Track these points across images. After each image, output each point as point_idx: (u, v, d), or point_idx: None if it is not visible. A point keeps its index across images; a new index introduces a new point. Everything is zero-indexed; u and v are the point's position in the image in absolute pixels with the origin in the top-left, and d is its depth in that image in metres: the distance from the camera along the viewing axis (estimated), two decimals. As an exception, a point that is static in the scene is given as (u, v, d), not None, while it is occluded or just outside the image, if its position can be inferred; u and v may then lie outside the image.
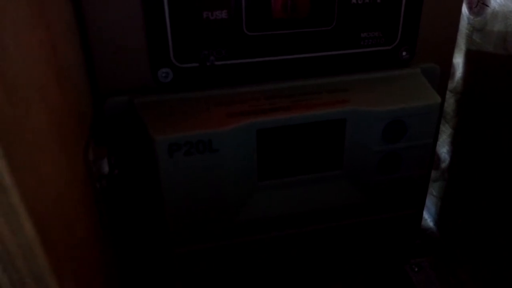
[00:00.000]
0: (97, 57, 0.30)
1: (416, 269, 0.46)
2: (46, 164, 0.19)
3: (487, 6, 0.38)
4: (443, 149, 0.47)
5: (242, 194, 0.33)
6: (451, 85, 0.43)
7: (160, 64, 0.31)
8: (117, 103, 0.31)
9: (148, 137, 0.29)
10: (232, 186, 0.32)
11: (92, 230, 0.27)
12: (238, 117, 0.30)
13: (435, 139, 0.40)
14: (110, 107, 0.31)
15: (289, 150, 0.33)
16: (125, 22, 0.29)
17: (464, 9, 0.40)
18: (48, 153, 0.20)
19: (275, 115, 0.31)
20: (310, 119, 0.31)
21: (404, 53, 0.35)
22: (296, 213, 0.35)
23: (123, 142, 0.32)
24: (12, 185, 0.15)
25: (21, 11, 0.19)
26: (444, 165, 0.47)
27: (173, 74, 0.31)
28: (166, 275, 0.36)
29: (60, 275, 0.18)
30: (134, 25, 0.29)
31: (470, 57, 0.41)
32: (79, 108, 0.27)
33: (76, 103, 0.27)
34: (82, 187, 0.25)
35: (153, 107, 0.31)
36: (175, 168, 0.30)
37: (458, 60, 0.42)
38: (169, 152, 0.29)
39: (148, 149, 0.30)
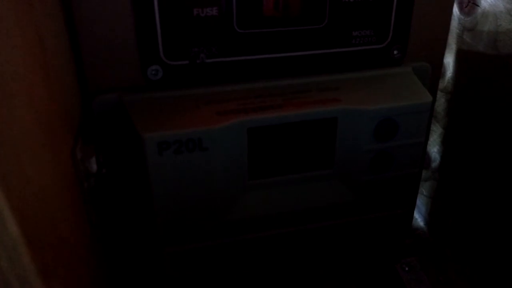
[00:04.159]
0: (86, 54, 0.29)
1: (407, 269, 0.46)
2: (31, 162, 0.19)
3: (477, 6, 0.38)
4: (434, 149, 0.47)
5: (232, 193, 0.32)
6: (441, 84, 0.43)
7: (149, 61, 0.30)
8: (106, 101, 0.31)
9: (137, 135, 0.29)
10: (223, 185, 0.31)
11: (80, 230, 0.26)
12: (228, 116, 0.30)
13: (426, 138, 0.40)
14: (99, 105, 0.31)
15: (280, 148, 0.32)
16: (115, 19, 0.29)
17: (455, 8, 0.40)
18: (34, 152, 0.20)
19: (266, 113, 0.30)
20: (301, 117, 0.31)
21: (395, 52, 0.35)
22: (287, 212, 0.34)
23: (112, 141, 0.32)
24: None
25: (7, 6, 0.18)
26: (434, 164, 0.47)
27: (163, 72, 0.31)
28: (156, 275, 0.35)
29: (46, 275, 0.17)
30: (123, 22, 0.29)
31: (460, 56, 0.41)
32: (67, 106, 0.27)
33: (63, 101, 0.26)
34: (69, 186, 0.25)
35: (143, 105, 0.30)
36: (164, 167, 0.29)
37: (449, 59, 0.42)
38: (158, 150, 0.29)
39: (137, 147, 0.29)
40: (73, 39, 0.29)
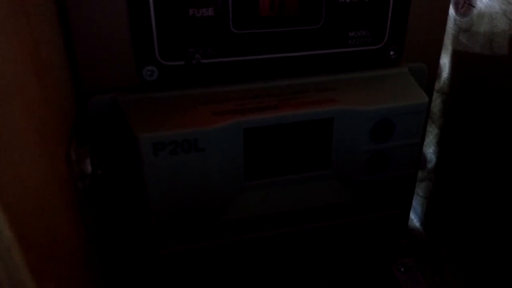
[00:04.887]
0: (81, 54, 0.29)
1: (403, 269, 0.46)
2: (25, 163, 0.19)
3: (473, 6, 0.38)
4: (430, 150, 0.47)
5: (228, 194, 0.32)
6: (437, 85, 0.43)
7: (145, 62, 0.30)
8: (101, 102, 0.30)
9: (133, 136, 0.28)
10: (219, 185, 0.31)
11: (74, 231, 0.26)
12: (224, 116, 0.30)
13: (423, 139, 0.40)
14: (94, 105, 0.30)
15: (277, 149, 0.32)
16: (110, 19, 0.29)
17: (451, 9, 0.40)
18: (27, 153, 0.19)
19: (262, 114, 0.30)
20: (297, 118, 0.31)
21: (392, 53, 0.35)
22: (284, 213, 0.34)
23: (107, 141, 0.31)
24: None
25: (0, 7, 0.18)
26: (430, 165, 0.48)
27: (159, 72, 0.31)
28: (152, 276, 0.35)
29: (39, 277, 0.17)
30: (119, 22, 0.29)
31: (456, 57, 0.42)
32: (61, 106, 0.27)
33: (58, 101, 0.26)
34: (63, 187, 0.25)
35: (138, 105, 0.30)
36: (160, 168, 0.29)
37: (445, 60, 0.42)
38: (154, 151, 0.29)
39: (133, 148, 0.29)
40: (68, 39, 0.29)
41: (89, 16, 0.28)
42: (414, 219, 0.51)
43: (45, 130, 0.23)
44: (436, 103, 0.45)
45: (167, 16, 0.29)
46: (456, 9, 0.40)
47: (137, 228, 0.34)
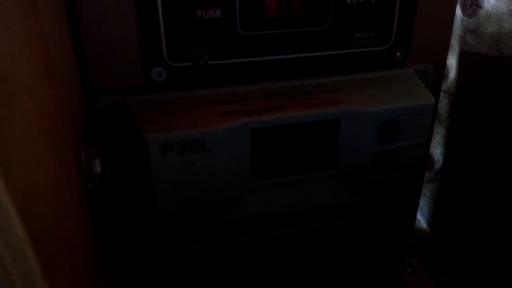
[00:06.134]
0: (90, 55, 0.30)
1: (409, 270, 0.46)
2: (36, 163, 0.19)
3: (480, 7, 0.38)
4: (436, 150, 0.47)
5: (235, 194, 0.32)
6: (444, 86, 0.43)
7: (153, 63, 0.30)
8: (110, 103, 0.31)
9: (141, 137, 0.29)
10: (226, 186, 0.31)
11: (83, 230, 0.26)
12: (231, 117, 0.30)
13: (429, 139, 0.40)
14: (102, 106, 0.31)
15: (283, 150, 0.32)
16: (118, 20, 0.29)
17: (458, 10, 0.40)
18: (38, 153, 0.20)
19: (269, 114, 0.30)
20: (304, 119, 0.31)
21: (398, 54, 0.35)
22: (290, 213, 0.34)
23: (116, 142, 0.32)
24: (1, 184, 0.14)
25: (11, 7, 0.18)
26: (437, 166, 0.47)
27: (166, 73, 0.31)
28: (158, 275, 0.35)
29: (49, 275, 0.17)
30: (127, 24, 0.29)
31: (463, 58, 0.41)
32: (70, 107, 0.27)
33: (67, 102, 0.26)
34: (73, 187, 0.25)
35: (146, 106, 0.30)
36: (167, 168, 0.29)
37: (452, 61, 0.42)
38: (162, 151, 0.29)
39: (141, 148, 0.29)
40: (77, 40, 0.29)
41: (98, 18, 0.29)
42: (421, 220, 0.51)
43: (55, 131, 0.23)
44: (443, 104, 0.45)
45: (175, 17, 0.29)
46: (463, 10, 0.40)
47: (144, 227, 0.34)
